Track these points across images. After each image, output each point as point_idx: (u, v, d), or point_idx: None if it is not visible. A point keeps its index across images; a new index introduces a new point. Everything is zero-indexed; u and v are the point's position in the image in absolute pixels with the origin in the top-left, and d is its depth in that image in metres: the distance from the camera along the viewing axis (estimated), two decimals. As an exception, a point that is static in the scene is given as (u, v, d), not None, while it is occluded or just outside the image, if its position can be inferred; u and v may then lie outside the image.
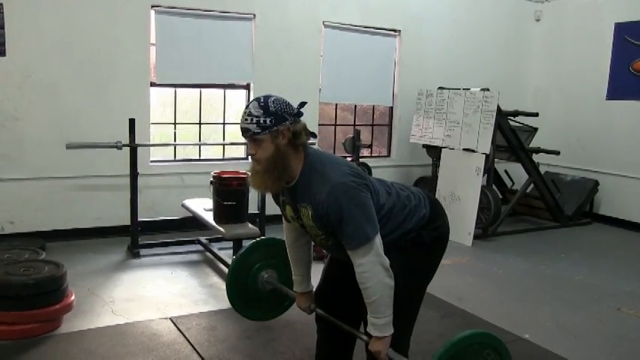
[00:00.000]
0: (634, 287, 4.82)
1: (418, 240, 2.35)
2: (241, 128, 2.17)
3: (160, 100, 6.11)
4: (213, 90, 6.20)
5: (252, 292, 3.03)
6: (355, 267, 2.17)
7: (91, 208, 5.49)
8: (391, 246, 2.28)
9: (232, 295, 3.05)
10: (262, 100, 2.15)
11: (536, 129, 6.88)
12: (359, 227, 2.11)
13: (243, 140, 6.17)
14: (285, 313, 3.34)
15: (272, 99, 2.16)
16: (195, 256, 5.20)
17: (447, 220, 2.50)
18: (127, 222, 5.17)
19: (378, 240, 2.15)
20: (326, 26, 6.41)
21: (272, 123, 2.12)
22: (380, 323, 2.19)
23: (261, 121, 2.11)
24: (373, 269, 2.14)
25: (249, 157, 2.23)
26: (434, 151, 6.66)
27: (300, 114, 2.21)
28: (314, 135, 2.28)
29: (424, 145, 6.76)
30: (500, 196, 6.75)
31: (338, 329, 2.53)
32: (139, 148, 5.06)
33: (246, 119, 2.14)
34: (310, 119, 4.75)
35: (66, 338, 3.43)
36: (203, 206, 5.05)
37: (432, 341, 3.60)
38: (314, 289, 2.68)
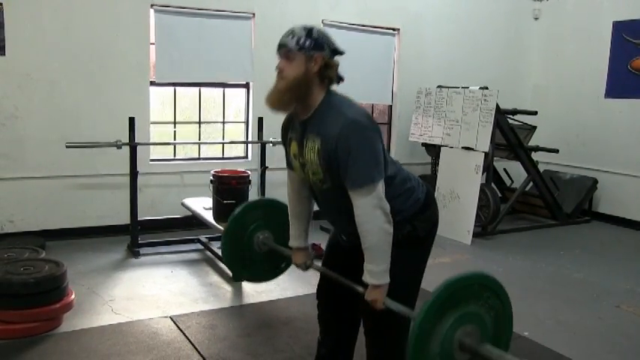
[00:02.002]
0: (633, 285, 4.83)
1: (414, 234, 2.32)
2: (279, 44, 2.20)
3: (159, 99, 6.12)
4: (213, 89, 6.21)
5: (248, 253, 2.91)
6: (355, 208, 2.13)
7: (91, 207, 5.50)
8: None
9: (227, 255, 2.95)
10: (308, 26, 2.20)
11: (535, 127, 6.89)
12: (365, 167, 2.08)
13: (242, 139, 6.26)
14: (285, 311, 3.35)
15: (317, 28, 2.21)
16: (195, 255, 5.21)
17: (437, 209, 2.52)
18: (127, 221, 5.18)
19: (381, 185, 2.12)
20: (325, 25, 6.41)
21: (310, 46, 2.15)
22: (376, 270, 2.14)
23: (301, 41, 2.14)
24: (373, 212, 2.10)
25: (277, 71, 2.24)
26: (433, 150, 6.67)
27: (338, 52, 2.24)
28: (342, 79, 2.27)
29: (423, 144, 6.76)
30: (500, 195, 6.77)
31: (339, 314, 2.53)
32: (138, 147, 5.06)
33: (287, 35, 2.18)
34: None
35: (66, 337, 3.44)
36: (203, 205, 5.05)
37: (431, 339, 3.61)
38: (312, 261, 2.64)
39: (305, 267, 2.61)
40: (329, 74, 2.19)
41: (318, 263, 2.63)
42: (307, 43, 2.14)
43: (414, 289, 2.39)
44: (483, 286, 2.08)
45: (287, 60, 2.18)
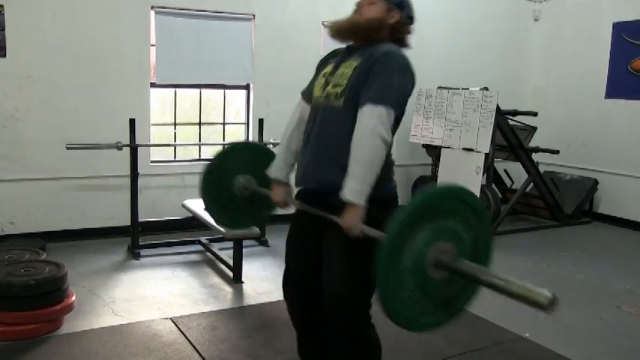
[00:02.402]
0: (634, 285, 4.83)
1: (381, 220, 2.17)
2: None
3: (159, 101, 6.12)
4: (213, 90, 6.21)
5: (228, 196, 2.83)
6: (358, 121, 2.12)
7: (92, 208, 5.50)
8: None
9: (206, 196, 2.88)
10: None
11: (535, 128, 6.89)
12: (390, 90, 2.11)
13: (242, 140, 6.24)
14: (285, 313, 3.33)
15: None
16: (195, 257, 5.21)
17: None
18: (128, 222, 5.18)
19: (392, 117, 2.12)
20: (325, 26, 6.41)
21: (394, 1, 2.30)
22: (357, 188, 2.08)
23: None
24: (374, 132, 2.07)
25: (355, 6, 2.34)
26: (433, 151, 6.66)
27: (413, 21, 2.36)
28: (408, 46, 2.37)
29: (424, 145, 6.76)
30: (500, 195, 6.76)
31: (308, 306, 2.47)
32: (139, 149, 5.07)
33: None
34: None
35: (67, 339, 3.44)
36: (203, 206, 5.03)
37: (432, 340, 3.61)
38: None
39: (283, 204, 2.55)
40: (400, 32, 2.30)
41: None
42: None
43: (370, 277, 2.23)
44: (463, 202, 1.94)
45: (369, 2, 2.29)
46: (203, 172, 2.83)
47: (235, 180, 2.79)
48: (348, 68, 2.24)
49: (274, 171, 2.56)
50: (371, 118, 2.08)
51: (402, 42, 2.34)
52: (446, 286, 1.89)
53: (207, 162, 2.85)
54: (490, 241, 2.04)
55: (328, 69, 2.37)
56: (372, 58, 2.16)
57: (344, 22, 2.31)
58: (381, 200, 2.22)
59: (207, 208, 2.94)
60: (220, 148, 2.87)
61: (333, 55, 2.47)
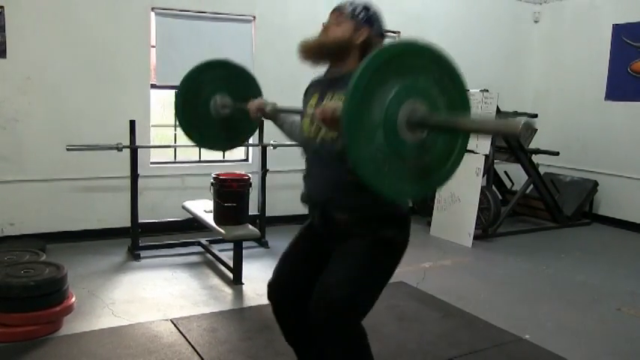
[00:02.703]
0: (634, 287, 4.83)
1: (395, 240, 2.23)
2: (336, 6, 2.28)
3: (160, 102, 6.13)
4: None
5: (204, 117, 2.76)
6: None
7: (92, 209, 5.50)
8: (362, 225, 2.17)
9: (181, 116, 2.80)
10: (368, 4, 2.28)
11: (535, 130, 6.89)
12: None
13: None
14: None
15: (375, 8, 2.29)
16: (195, 258, 5.21)
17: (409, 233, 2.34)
18: (128, 224, 5.18)
19: None
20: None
21: (362, 18, 2.23)
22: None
23: (356, 11, 2.23)
24: None
25: (322, 27, 2.27)
26: (433, 152, 6.65)
27: (385, 37, 2.30)
28: None
29: (424, 146, 6.75)
30: (500, 197, 6.76)
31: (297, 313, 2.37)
32: (139, 150, 5.07)
33: (346, 1, 2.27)
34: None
35: (66, 340, 3.43)
36: (203, 208, 5.05)
37: (432, 342, 3.61)
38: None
39: (259, 109, 2.54)
40: (371, 50, 2.20)
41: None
42: (361, 15, 2.24)
43: (371, 291, 2.22)
44: (436, 62, 1.86)
45: (336, 21, 2.25)
46: (178, 89, 2.79)
47: (212, 99, 2.75)
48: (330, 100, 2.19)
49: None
50: None
51: None
52: (421, 151, 1.81)
53: (183, 79, 2.79)
54: (466, 105, 1.96)
55: (314, 100, 2.32)
56: None
57: (311, 42, 2.25)
58: (392, 218, 2.22)
59: (182, 127, 2.86)
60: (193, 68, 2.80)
61: (317, 82, 2.42)
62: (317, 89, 2.36)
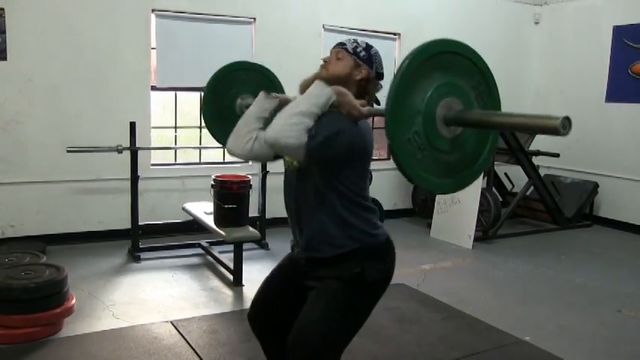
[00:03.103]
0: (634, 289, 4.82)
1: (361, 278, 2.15)
2: (338, 43, 2.29)
3: (160, 104, 6.13)
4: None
5: (229, 116, 2.76)
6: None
7: (92, 211, 5.50)
8: (331, 267, 2.17)
9: (208, 115, 2.86)
10: (370, 44, 2.31)
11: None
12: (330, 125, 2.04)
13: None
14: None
15: (376, 50, 2.32)
16: (195, 260, 5.21)
17: (394, 264, 2.29)
18: (128, 225, 5.19)
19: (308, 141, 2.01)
20: (326, 30, 6.43)
21: (362, 57, 2.25)
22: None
23: (358, 49, 2.25)
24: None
25: (322, 62, 2.29)
26: (434, 154, 6.65)
27: (381, 77, 2.30)
28: (378, 103, 2.30)
29: (424, 148, 6.75)
30: (500, 199, 6.76)
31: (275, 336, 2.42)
32: (139, 152, 5.07)
33: (348, 39, 2.30)
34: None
35: (67, 342, 3.43)
36: (204, 209, 5.05)
37: (433, 344, 3.61)
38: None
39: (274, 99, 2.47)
40: (367, 89, 2.25)
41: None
42: (362, 53, 2.25)
43: (344, 333, 2.20)
44: (476, 67, 2.00)
45: (336, 58, 2.26)
46: (205, 90, 2.86)
47: (237, 100, 2.82)
48: None
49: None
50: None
51: (367, 96, 2.25)
52: (454, 147, 1.92)
53: (209, 81, 2.87)
54: (494, 90, 2.11)
55: None
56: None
57: (310, 79, 2.22)
58: (370, 249, 2.20)
59: (209, 129, 2.92)
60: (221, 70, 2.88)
61: None
62: None
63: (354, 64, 2.23)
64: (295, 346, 2.15)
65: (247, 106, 2.66)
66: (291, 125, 2.00)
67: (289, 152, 2.06)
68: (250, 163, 6.21)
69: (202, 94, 2.85)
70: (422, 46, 1.85)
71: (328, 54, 2.30)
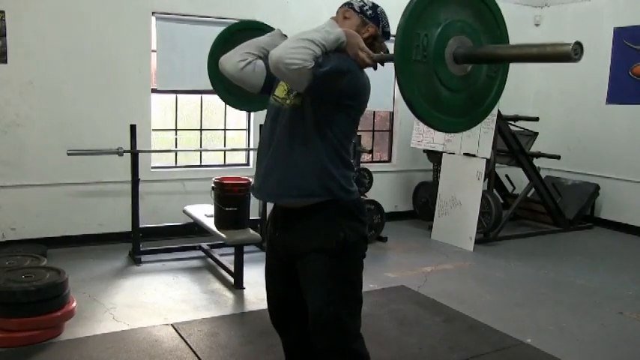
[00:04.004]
0: (636, 291, 4.82)
1: (345, 240, 2.17)
2: (344, 2, 2.30)
3: (161, 106, 6.13)
4: (214, 96, 6.18)
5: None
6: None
7: (93, 214, 5.50)
8: (320, 238, 2.17)
9: (213, 75, 2.87)
10: (376, 3, 2.31)
11: (536, 133, 6.90)
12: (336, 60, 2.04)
13: (244, 146, 6.25)
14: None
15: (382, 8, 2.31)
16: (196, 262, 5.20)
17: (366, 224, 2.33)
18: (129, 228, 5.19)
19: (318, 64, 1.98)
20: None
21: (369, 15, 2.26)
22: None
23: (364, 7, 2.27)
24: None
25: None
26: (435, 156, 6.66)
27: (388, 36, 2.30)
28: (382, 63, 2.26)
29: (425, 150, 6.76)
30: (502, 201, 6.75)
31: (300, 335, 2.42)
32: (140, 154, 5.07)
33: None
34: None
35: (67, 345, 3.43)
36: (204, 212, 5.05)
37: (434, 346, 3.60)
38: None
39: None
40: (374, 47, 2.25)
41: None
42: (369, 11, 2.27)
43: (353, 301, 2.27)
44: (486, 5, 2.04)
45: (343, 17, 2.27)
46: (211, 49, 2.90)
47: None
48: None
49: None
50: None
51: (374, 51, 2.27)
52: (466, 83, 1.95)
53: (217, 37, 2.91)
54: (504, 30, 2.12)
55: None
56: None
57: None
58: (344, 206, 2.21)
59: (215, 89, 3.02)
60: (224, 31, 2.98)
61: None
62: None
63: (361, 22, 2.25)
64: (317, 333, 2.22)
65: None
66: (298, 48, 1.97)
67: (291, 75, 1.98)
68: (251, 165, 6.21)
69: (210, 50, 2.89)
70: None
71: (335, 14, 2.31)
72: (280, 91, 2.25)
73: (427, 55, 1.86)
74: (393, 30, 2.07)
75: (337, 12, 2.31)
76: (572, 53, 1.64)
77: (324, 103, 2.11)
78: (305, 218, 2.20)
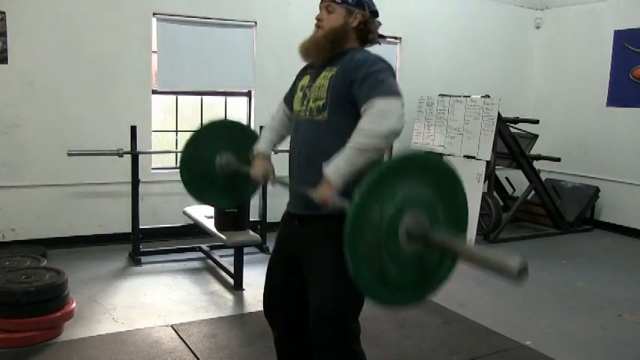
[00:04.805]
0: (635, 293, 4.81)
1: None
2: None
3: (161, 108, 6.13)
4: (215, 97, 6.22)
5: (209, 176, 2.74)
6: (370, 108, 1.98)
7: (93, 215, 5.50)
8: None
9: (187, 178, 2.77)
10: None
11: (536, 136, 6.90)
12: (386, 83, 2.03)
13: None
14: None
15: None
16: (196, 264, 5.20)
17: None
18: (129, 229, 5.18)
19: (403, 109, 2.00)
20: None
21: (351, 2, 2.22)
22: (341, 167, 1.96)
23: None
24: (381, 120, 1.93)
25: (316, 22, 2.27)
26: (435, 158, 6.65)
27: (377, 14, 2.30)
28: (379, 42, 2.30)
29: (425, 152, 6.75)
30: (502, 203, 6.75)
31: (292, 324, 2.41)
32: (140, 156, 5.07)
33: None
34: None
35: (66, 346, 3.43)
36: (204, 213, 5.05)
37: (434, 348, 3.60)
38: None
39: (264, 179, 2.44)
40: (366, 33, 2.25)
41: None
42: None
43: (357, 301, 2.22)
44: (437, 170, 1.87)
45: (327, 12, 2.24)
46: (183, 149, 2.78)
47: (216, 158, 2.73)
48: (324, 79, 2.20)
49: (257, 145, 2.53)
50: (382, 106, 1.97)
51: (371, 41, 2.31)
52: (420, 259, 1.80)
53: (188, 138, 2.77)
54: (464, 212, 1.95)
55: (305, 81, 2.34)
56: (354, 64, 2.12)
57: (308, 42, 2.26)
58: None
59: (186, 185, 2.82)
60: (198, 125, 2.85)
61: (311, 66, 2.41)
62: (310, 72, 2.36)
63: (346, 12, 2.22)
64: (318, 332, 2.18)
65: (227, 165, 2.67)
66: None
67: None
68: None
69: (181, 153, 2.79)
70: (411, 154, 1.82)
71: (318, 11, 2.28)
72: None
73: (379, 231, 1.73)
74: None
75: (320, 9, 2.27)
76: (515, 274, 1.53)
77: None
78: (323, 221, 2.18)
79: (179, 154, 2.83)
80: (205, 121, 2.84)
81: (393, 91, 2.02)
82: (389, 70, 2.12)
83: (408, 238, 1.75)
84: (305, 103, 2.27)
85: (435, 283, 1.93)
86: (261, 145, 2.51)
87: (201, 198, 2.94)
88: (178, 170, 2.81)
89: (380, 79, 2.04)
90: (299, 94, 2.34)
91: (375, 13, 2.30)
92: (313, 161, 2.17)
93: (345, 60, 2.18)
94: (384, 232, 1.73)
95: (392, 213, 1.72)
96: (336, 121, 2.15)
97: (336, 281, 2.14)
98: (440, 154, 6.38)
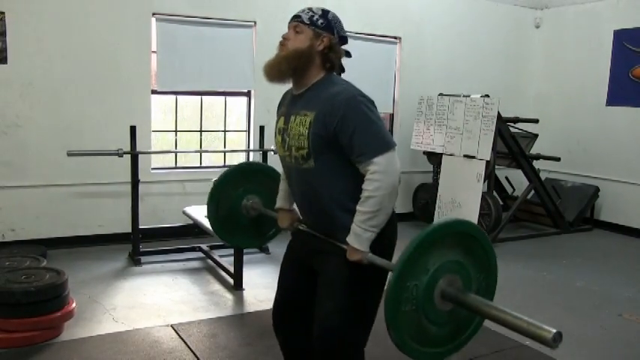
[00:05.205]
0: (635, 293, 4.82)
1: (387, 246, 2.19)
2: (293, 15, 2.24)
3: (161, 108, 6.13)
4: (214, 97, 6.22)
5: (235, 218, 2.84)
6: (368, 173, 2.02)
7: (93, 215, 5.50)
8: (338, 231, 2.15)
9: (214, 219, 2.87)
10: (325, 9, 2.24)
11: (536, 135, 6.90)
12: (378, 135, 2.03)
13: (243, 147, 6.26)
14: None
15: (333, 13, 2.23)
16: (196, 264, 5.20)
17: (395, 232, 2.29)
18: (128, 229, 5.19)
19: (396, 153, 2.04)
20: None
21: (321, 25, 2.17)
22: (365, 236, 2.04)
23: (314, 18, 2.18)
24: (387, 180, 2.00)
25: (281, 40, 2.23)
26: (434, 158, 6.66)
27: (345, 41, 2.25)
28: (343, 70, 2.27)
29: (425, 152, 6.76)
30: (501, 203, 6.75)
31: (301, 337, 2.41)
32: (140, 156, 5.07)
33: (302, 10, 2.22)
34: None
35: (67, 346, 3.43)
36: (204, 213, 5.04)
37: (433, 348, 3.59)
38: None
39: (292, 228, 2.48)
40: (332, 58, 2.19)
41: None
42: (320, 21, 2.18)
43: (365, 318, 2.23)
44: (472, 237, 2.00)
45: (295, 32, 2.20)
46: (209, 196, 2.86)
47: (243, 201, 2.83)
48: (301, 125, 2.12)
49: (278, 201, 2.55)
50: (377, 168, 2.01)
51: (334, 65, 2.21)
52: (452, 316, 1.96)
53: (214, 182, 2.88)
54: (494, 279, 2.13)
55: (281, 123, 2.28)
56: (333, 110, 2.05)
57: (270, 61, 2.22)
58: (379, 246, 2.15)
59: (216, 232, 2.95)
60: (224, 169, 2.95)
61: (284, 99, 2.39)
62: (283, 110, 2.31)
63: (314, 34, 2.17)
64: (318, 338, 2.17)
65: (253, 208, 2.77)
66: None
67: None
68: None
69: (210, 193, 2.87)
70: (451, 221, 1.95)
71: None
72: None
73: (416, 302, 1.88)
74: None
75: (288, 27, 2.23)
76: (551, 341, 1.74)
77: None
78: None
79: (207, 204, 2.91)
80: (232, 166, 2.98)
81: (388, 142, 2.05)
82: (373, 108, 2.09)
83: (443, 298, 1.91)
84: (287, 149, 2.21)
85: (470, 334, 2.09)
86: (280, 201, 2.54)
87: (229, 239, 3.05)
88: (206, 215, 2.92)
89: (373, 132, 2.03)
90: (278, 137, 2.28)
91: (344, 39, 2.23)
92: (310, 205, 2.25)
93: (322, 100, 2.10)
94: (420, 302, 1.88)
95: (426, 282, 1.87)
96: (323, 165, 2.12)
97: (345, 294, 2.14)
98: (441, 153, 6.38)
